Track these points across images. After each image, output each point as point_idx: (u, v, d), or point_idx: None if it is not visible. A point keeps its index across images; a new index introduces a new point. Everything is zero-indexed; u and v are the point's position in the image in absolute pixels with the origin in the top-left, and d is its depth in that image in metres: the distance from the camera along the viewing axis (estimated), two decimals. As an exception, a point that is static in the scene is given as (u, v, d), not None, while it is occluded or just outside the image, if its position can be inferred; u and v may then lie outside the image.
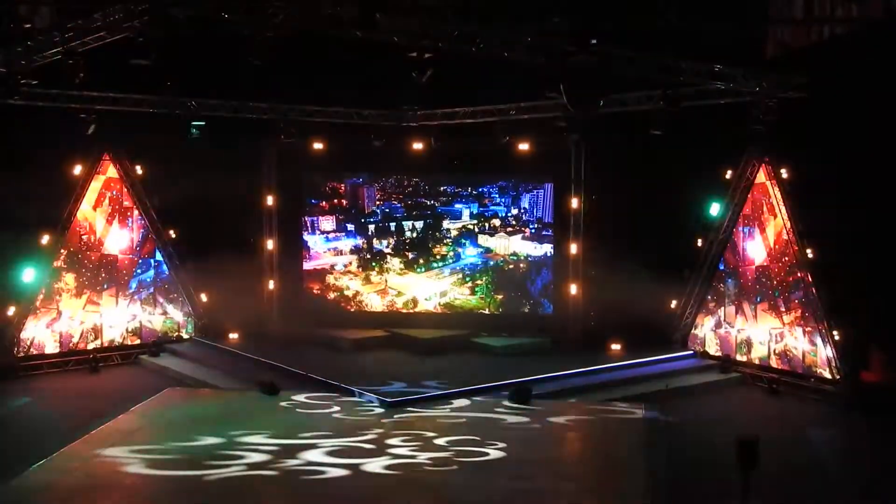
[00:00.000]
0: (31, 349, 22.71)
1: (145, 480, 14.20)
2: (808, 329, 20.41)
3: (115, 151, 23.88)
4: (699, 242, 22.80)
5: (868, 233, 18.98)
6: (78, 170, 23.33)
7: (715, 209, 22.49)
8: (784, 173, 20.83)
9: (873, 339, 19.51)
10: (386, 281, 26.08)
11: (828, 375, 19.90)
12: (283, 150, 25.24)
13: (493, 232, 25.76)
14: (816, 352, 20.20)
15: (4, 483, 13.75)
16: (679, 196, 22.41)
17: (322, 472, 14.53)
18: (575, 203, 24.51)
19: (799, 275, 20.56)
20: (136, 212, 24.42)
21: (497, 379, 20.08)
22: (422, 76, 16.51)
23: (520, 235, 25.61)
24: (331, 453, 15.43)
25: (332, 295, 26.27)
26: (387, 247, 26.12)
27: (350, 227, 26.29)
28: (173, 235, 24.75)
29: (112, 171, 23.98)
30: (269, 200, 25.86)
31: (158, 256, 24.85)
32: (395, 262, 26.10)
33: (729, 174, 22.05)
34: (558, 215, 25.06)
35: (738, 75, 18.76)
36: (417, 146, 24.59)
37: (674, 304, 23.35)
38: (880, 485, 14.56)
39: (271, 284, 25.96)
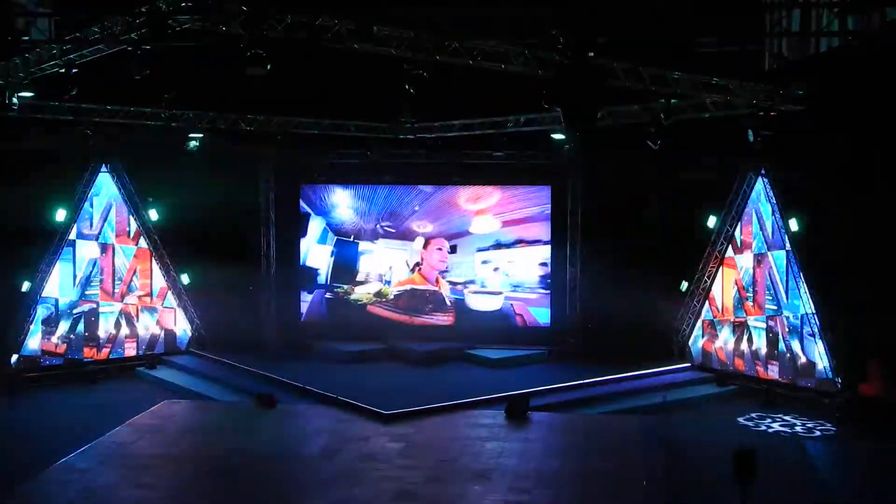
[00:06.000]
0: (29, 361, 22.67)
1: (141, 494, 14.15)
2: (806, 341, 20.39)
3: (113, 164, 23.91)
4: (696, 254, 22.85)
5: (866, 244, 18.99)
6: (76, 182, 23.34)
7: (712, 222, 22.51)
8: (781, 185, 20.85)
9: (871, 351, 19.49)
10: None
11: (826, 388, 19.87)
12: (281, 162, 25.29)
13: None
14: (814, 364, 20.18)
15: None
16: (676, 208, 22.43)
17: (318, 482, 14.53)
18: (572, 215, 24.52)
19: (796, 287, 20.56)
20: (133, 224, 24.43)
21: (493, 391, 20.05)
22: (419, 88, 16.52)
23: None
24: (327, 464, 15.41)
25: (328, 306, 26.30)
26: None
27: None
28: (170, 247, 24.73)
29: (110, 184, 24.01)
30: (267, 212, 25.85)
31: (156, 268, 24.85)
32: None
33: (726, 187, 22.07)
34: (556, 227, 25.05)
35: (735, 88, 18.79)
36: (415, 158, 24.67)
37: (671, 316, 23.34)
38: (878, 498, 14.54)
39: (269, 296, 25.91)
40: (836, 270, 19.78)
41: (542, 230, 25.27)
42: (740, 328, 22.07)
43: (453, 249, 25.60)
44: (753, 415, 19.69)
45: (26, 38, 16.13)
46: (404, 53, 16.00)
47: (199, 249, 24.38)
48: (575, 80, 13.31)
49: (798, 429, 18.77)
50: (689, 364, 23.04)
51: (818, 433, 18.46)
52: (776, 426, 18.97)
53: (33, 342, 22.84)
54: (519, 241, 25.49)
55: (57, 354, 23.17)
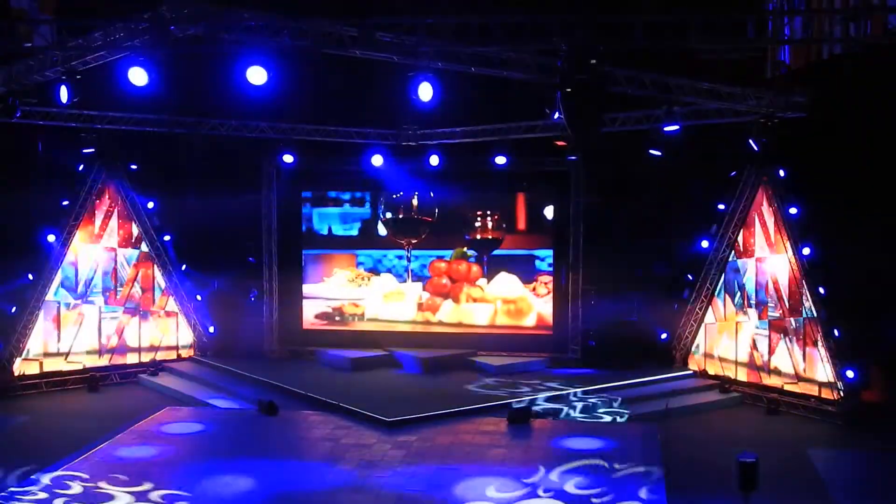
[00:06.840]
0: (30, 367, 22.65)
1: (142, 501, 14.13)
2: (809, 348, 20.35)
3: (115, 169, 23.91)
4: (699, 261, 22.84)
5: (869, 250, 18.98)
6: (77, 189, 23.36)
7: (714, 228, 22.48)
8: (782, 193, 20.83)
9: (874, 358, 19.47)
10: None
11: (829, 395, 19.83)
12: (283, 169, 25.30)
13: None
14: (817, 371, 20.14)
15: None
16: (678, 216, 22.43)
17: (320, 490, 14.51)
18: (574, 222, 24.50)
19: (799, 294, 20.53)
20: (135, 231, 24.42)
21: (495, 399, 20.01)
22: (422, 95, 16.54)
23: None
24: (329, 472, 15.40)
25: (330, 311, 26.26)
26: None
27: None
28: (172, 254, 24.74)
29: (112, 188, 24.01)
30: (269, 219, 25.83)
31: (158, 275, 24.84)
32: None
33: (728, 194, 22.07)
34: (557, 235, 25.01)
35: (738, 94, 18.81)
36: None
37: (673, 323, 23.32)
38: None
39: (271, 303, 25.88)
40: (838, 276, 19.77)
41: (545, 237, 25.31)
42: (743, 334, 22.02)
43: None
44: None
45: (28, 44, 16.15)
46: (406, 60, 16.02)
47: (202, 255, 24.40)
48: (578, 87, 13.33)
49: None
50: (691, 371, 23.00)
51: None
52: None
53: (34, 347, 22.84)
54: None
55: (58, 359, 23.16)
